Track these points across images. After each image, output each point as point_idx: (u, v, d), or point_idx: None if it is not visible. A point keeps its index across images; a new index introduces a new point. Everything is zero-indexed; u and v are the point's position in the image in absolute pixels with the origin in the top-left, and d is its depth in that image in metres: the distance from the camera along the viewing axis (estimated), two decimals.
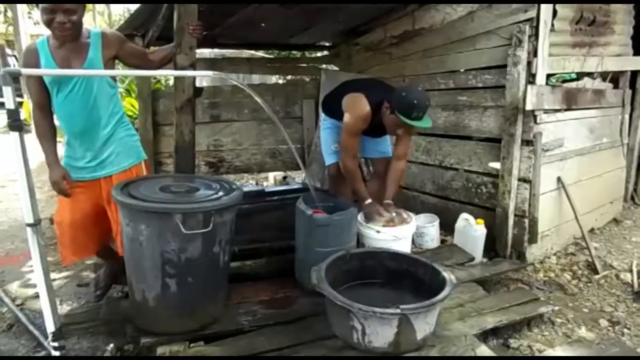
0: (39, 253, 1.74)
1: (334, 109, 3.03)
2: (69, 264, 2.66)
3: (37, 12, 11.48)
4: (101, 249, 2.60)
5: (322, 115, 3.21)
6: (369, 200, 2.86)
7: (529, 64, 2.95)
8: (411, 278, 2.39)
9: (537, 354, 2.25)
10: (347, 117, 2.77)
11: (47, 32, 2.24)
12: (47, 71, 2.24)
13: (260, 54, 6.56)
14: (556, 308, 2.68)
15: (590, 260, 3.23)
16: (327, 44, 5.36)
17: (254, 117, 4.70)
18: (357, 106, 2.72)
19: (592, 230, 3.78)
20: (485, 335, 2.30)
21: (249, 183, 5.87)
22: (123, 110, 2.52)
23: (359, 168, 3.20)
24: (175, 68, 2.70)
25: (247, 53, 6.33)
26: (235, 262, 2.62)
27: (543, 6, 2.90)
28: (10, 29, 10.65)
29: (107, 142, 2.39)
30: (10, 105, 1.60)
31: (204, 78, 6.43)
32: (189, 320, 2.16)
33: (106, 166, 2.41)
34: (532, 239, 3.13)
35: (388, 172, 3.00)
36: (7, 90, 1.58)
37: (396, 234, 2.74)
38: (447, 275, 2.17)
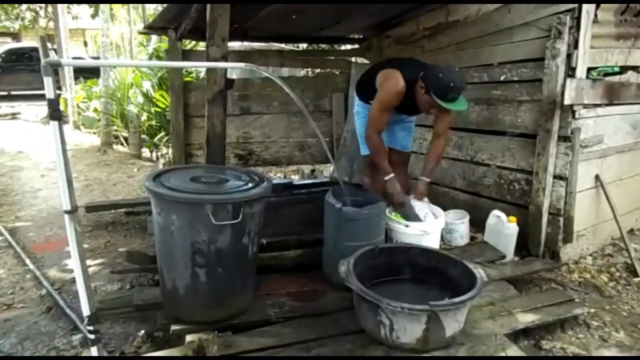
0: (76, 239, 1.79)
1: (367, 93, 2.98)
2: None
3: (76, 8, 11.84)
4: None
5: (356, 101, 3.16)
6: (391, 175, 2.84)
7: (569, 56, 2.84)
8: (440, 275, 2.35)
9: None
10: (380, 91, 2.74)
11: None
12: (88, 62, 2.30)
13: (290, 47, 6.56)
14: (592, 310, 2.59)
15: (629, 262, 3.10)
16: (357, 37, 5.31)
17: (283, 110, 4.72)
18: (391, 81, 2.69)
19: (631, 231, 3.62)
20: (516, 336, 2.25)
21: (277, 176, 5.90)
22: None
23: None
24: (208, 60, 2.73)
25: (277, 46, 6.35)
26: (263, 254, 2.64)
27: None
28: (51, 24, 11.00)
29: None
30: (50, 95, 1.65)
31: (233, 70, 6.50)
32: (217, 310, 2.19)
33: None
34: (567, 239, 3.02)
35: (428, 151, 2.99)
36: (48, 81, 1.62)
37: (425, 229, 2.71)
38: (477, 272, 2.13)
